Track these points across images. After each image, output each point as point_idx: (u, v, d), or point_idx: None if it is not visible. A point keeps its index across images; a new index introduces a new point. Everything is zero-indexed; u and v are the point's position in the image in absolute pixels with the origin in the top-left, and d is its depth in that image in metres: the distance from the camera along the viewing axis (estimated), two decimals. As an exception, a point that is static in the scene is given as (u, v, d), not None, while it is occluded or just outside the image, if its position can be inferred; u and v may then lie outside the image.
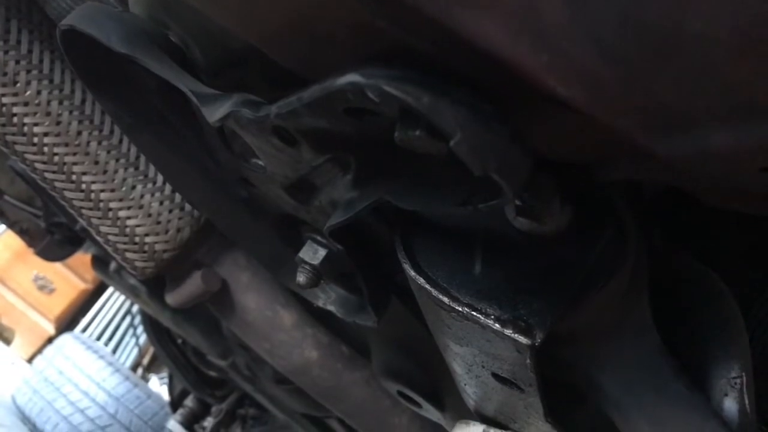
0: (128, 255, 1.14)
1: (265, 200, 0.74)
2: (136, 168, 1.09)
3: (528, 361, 0.52)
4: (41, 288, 5.37)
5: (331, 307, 0.82)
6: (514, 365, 0.54)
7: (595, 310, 0.56)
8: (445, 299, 0.53)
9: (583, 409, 0.64)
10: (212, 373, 2.25)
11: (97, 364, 3.31)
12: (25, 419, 3.19)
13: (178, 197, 1.11)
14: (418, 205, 0.52)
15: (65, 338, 3.58)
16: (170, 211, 1.12)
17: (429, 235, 0.58)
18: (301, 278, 0.74)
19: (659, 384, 0.56)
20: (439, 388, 0.98)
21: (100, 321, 5.84)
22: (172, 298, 1.19)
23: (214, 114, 0.55)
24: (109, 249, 1.15)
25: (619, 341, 0.58)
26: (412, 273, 0.55)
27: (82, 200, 1.08)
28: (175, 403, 2.71)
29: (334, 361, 1.21)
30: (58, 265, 5.13)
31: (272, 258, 0.81)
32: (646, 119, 0.38)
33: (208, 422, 2.58)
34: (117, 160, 1.08)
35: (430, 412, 1.02)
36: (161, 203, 1.11)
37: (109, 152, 1.06)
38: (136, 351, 5.55)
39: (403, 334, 0.96)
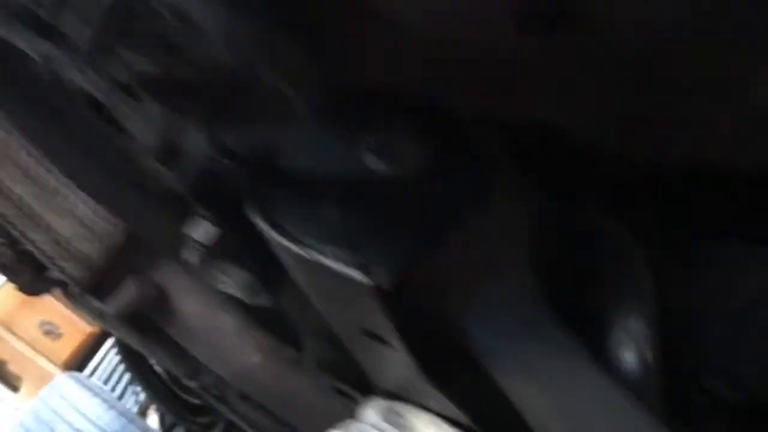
0: (60, 263, 1.11)
1: (148, 177, 0.71)
2: (62, 171, 1.07)
3: (379, 306, 0.48)
4: (47, 333, 5.35)
5: (233, 291, 0.78)
6: (373, 314, 0.51)
7: (460, 254, 0.52)
8: (291, 244, 0.50)
9: (472, 371, 0.59)
10: (192, 400, 2.20)
11: (92, 401, 3.26)
12: (20, 460, 3.14)
13: (108, 200, 1.08)
14: (249, 140, 0.49)
15: (61, 378, 3.54)
16: (99, 215, 1.09)
17: (283, 183, 0.54)
18: (189, 257, 0.71)
19: (534, 331, 0.52)
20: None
21: (108, 364, 5.80)
22: (109, 307, 1.16)
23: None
24: (42, 257, 1.12)
25: (490, 288, 0.54)
26: (258, 220, 0.51)
27: (9, 207, 1.06)
28: (165, 436, 2.66)
29: (278, 365, 1.17)
30: (64, 310, 5.12)
31: (169, 240, 0.78)
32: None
33: (197, 453, 2.52)
34: (40, 163, 1.06)
35: (367, 406, 0.97)
36: (89, 206, 1.08)
37: (29, 154, 1.03)
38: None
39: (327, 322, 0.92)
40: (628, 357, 0.58)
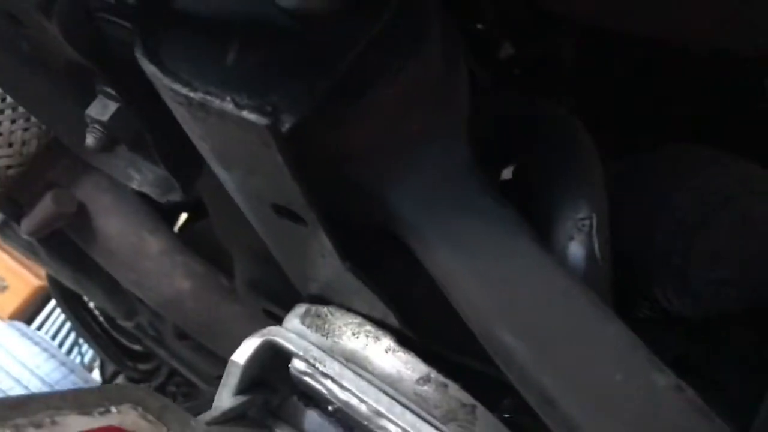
0: (-28, 176, 1.01)
1: (44, 47, 0.62)
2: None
3: (280, 157, 0.41)
4: (-6, 286, 5.20)
5: (146, 189, 0.70)
6: (276, 175, 0.43)
7: (381, 115, 0.45)
8: (178, 86, 0.42)
9: (402, 268, 0.53)
10: (133, 346, 2.11)
11: (31, 350, 3.15)
12: (-45, 410, 3.02)
13: (23, 107, 0.99)
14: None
15: (0, 326, 3.42)
16: (13, 122, 0.99)
17: (181, 30, 0.46)
18: (89, 139, 0.63)
19: (462, 202, 0.45)
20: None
21: (56, 318, 5.67)
22: (25, 225, 1.07)
23: None
24: (-49, 170, 1.02)
25: (418, 156, 0.47)
26: (145, 62, 0.43)
27: None
28: (107, 384, 2.57)
29: (209, 293, 1.09)
30: (11, 262, 4.96)
31: (70, 126, 0.69)
32: None
33: (139, 402, 2.44)
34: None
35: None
36: (1, 112, 0.99)
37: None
38: (93, 348, 5.37)
39: (257, 238, 0.84)
40: (577, 250, 0.52)
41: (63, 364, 3.14)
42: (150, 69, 0.43)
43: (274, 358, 0.60)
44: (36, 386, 2.99)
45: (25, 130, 1.00)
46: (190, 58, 0.44)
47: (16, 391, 2.97)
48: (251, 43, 0.44)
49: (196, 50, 0.45)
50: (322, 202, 0.45)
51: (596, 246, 0.52)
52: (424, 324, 0.56)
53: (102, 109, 0.62)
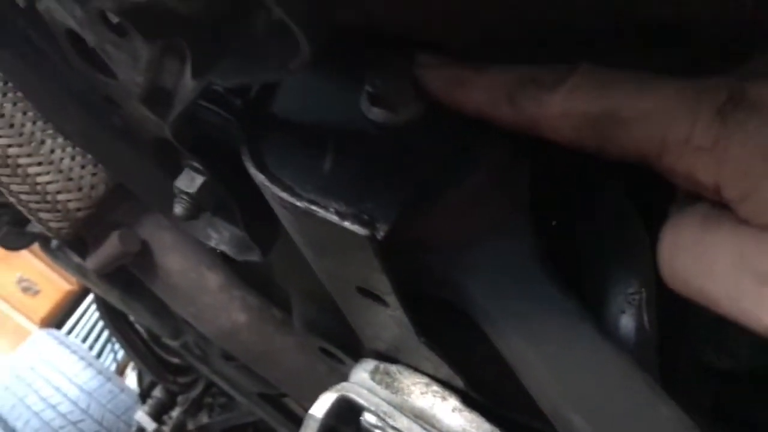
0: (42, 215, 1.08)
1: (136, 123, 0.68)
2: (46, 122, 1.04)
3: (375, 259, 0.47)
4: (25, 290, 5.31)
5: (224, 247, 0.76)
6: (367, 269, 0.49)
7: (459, 209, 0.51)
8: (285, 195, 0.48)
9: (467, 333, 0.58)
10: (173, 359, 2.19)
11: (70, 359, 3.25)
12: (-3, 417, 3.13)
13: (92, 153, 1.06)
14: (241, 78, 0.47)
15: (39, 335, 3.53)
16: (83, 167, 1.06)
17: (280, 136, 0.52)
18: (177, 209, 0.68)
19: (529, 290, 0.51)
20: (359, 341, 0.93)
21: (86, 322, 5.78)
22: (91, 262, 1.14)
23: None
24: (24, 210, 1.10)
25: (488, 246, 0.52)
26: (253, 170, 0.50)
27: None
28: (144, 395, 2.65)
29: (264, 325, 1.15)
30: (42, 267, 5.07)
31: (159, 194, 0.76)
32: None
33: (176, 412, 2.52)
34: (24, 113, 1.02)
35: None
36: (73, 158, 1.05)
37: (15, 105, 1.00)
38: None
39: (318, 283, 0.91)
40: (628, 322, 0.57)
41: (100, 372, 3.24)
42: (259, 177, 0.49)
43: (347, 411, 0.66)
44: (75, 395, 3.09)
45: (93, 174, 1.07)
46: (291, 164, 0.50)
47: (56, 398, 3.07)
48: (344, 150, 0.50)
49: (296, 156, 0.50)
50: (403, 286, 0.51)
51: (645, 319, 0.57)
52: (488, 385, 0.61)
53: (189, 182, 0.68)
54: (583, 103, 0.43)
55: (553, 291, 0.50)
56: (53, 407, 3.05)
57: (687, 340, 0.75)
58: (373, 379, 0.66)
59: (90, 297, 5.53)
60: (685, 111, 0.41)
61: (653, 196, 0.65)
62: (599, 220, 0.63)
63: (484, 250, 0.52)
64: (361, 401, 0.64)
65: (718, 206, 0.43)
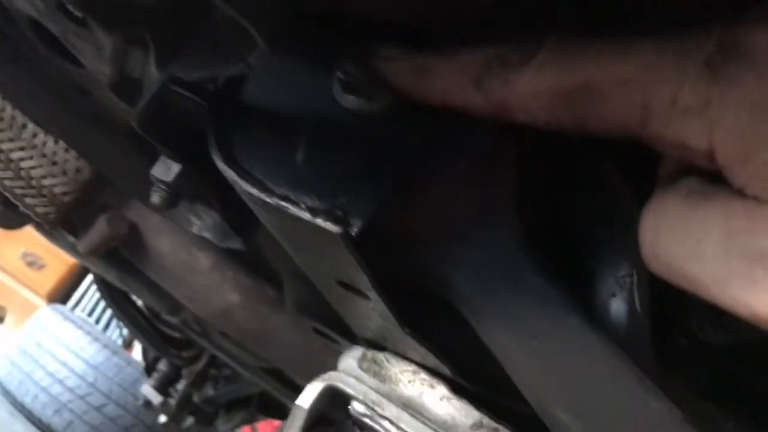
0: (28, 201, 1.06)
1: (109, 111, 0.66)
2: (26, 105, 1.01)
3: (351, 257, 0.45)
4: (30, 264, 5.33)
5: (206, 234, 0.75)
6: (345, 264, 0.47)
7: (440, 201, 0.49)
8: (255, 191, 0.46)
9: (453, 321, 0.57)
10: (175, 334, 2.19)
11: (75, 334, 3.27)
12: (5, 392, 3.16)
13: (75, 135, 1.03)
14: (202, 72, 0.44)
15: (44, 311, 3.54)
16: (67, 151, 1.04)
17: (250, 125, 0.50)
18: (155, 198, 0.67)
19: (516, 281, 0.49)
20: (351, 321, 0.91)
21: (92, 295, 5.81)
22: (81, 246, 1.12)
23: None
24: (9, 196, 1.08)
25: (472, 235, 0.50)
26: (221, 164, 0.47)
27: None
28: (149, 368, 2.66)
29: (258, 304, 1.14)
30: (46, 241, 5.09)
31: (137, 181, 0.74)
32: None
33: (182, 385, 2.53)
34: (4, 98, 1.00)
35: (347, 348, 0.95)
36: (56, 142, 1.03)
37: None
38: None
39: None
40: (619, 306, 0.55)
41: (106, 346, 3.26)
42: (227, 173, 0.46)
43: (334, 399, 0.65)
44: (81, 369, 3.11)
45: (78, 158, 1.05)
46: (261, 156, 0.48)
47: (63, 373, 3.09)
48: (318, 141, 0.47)
49: (267, 147, 0.48)
50: (385, 280, 0.49)
51: (637, 302, 0.56)
52: (475, 371, 0.60)
53: (166, 170, 0.66)
54: (554, 78, 0.40)
55: (540, 281, 0.49)
56: (60, 382, 3.08)
57: (684, 318, 0.74)
58: (360, 367, 0.65)
59: (95, 270, 5.56)
60: (669, 70, 0.36)
61: (648, 172, 0.63)
62: (589, 200, 0.61)
63: (468, 241, 0.50)
64: (349, 390, 0.63)
65: (707, 181, 0.40)
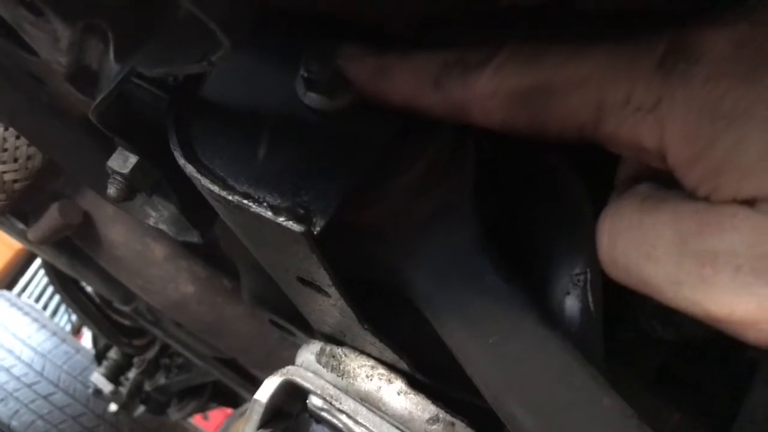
0: (-24, 187, 1.04)
1: (64, 101, 0.65)
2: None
3: (312, 255, 0.45)
4: (-25, 249, 5.17)
5: (163, 227, 0.74)
6: (305, 261, 0.47)
7: (400, 199, 0.49)
8: (216, 188, 0.45)
9: (411, 316, 0.57)
10: (126, 322, 2.16)
11: (22, 320, 3.19)
12: (-51, 381, 3.07)
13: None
14: (163, 68, 0.44)
15: (-12, 297, 3.45)
16: (18, 137, 1.02)
17: (212, 121, 0.49)
18: (111, 190, 0.65)
19: (473, 279, 0.50)
20: (308, 313, 0.91)
21: (39, 281, 5.67)
22: (32, 234, 1.10)
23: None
24: (-44, 182, 1.05)
25: (431, 234, 0.51)
26: (182, 161, 0.47)
27: None
28: (100, 356, 2.62)
29: (213, 295, 1.13)
30: (-9, 226, 4.95)
31: (92, 172, 0.72)
32: None
33: (133, 373, 2.50)
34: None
35: (304, 341, 0.95)
36: (6, 129, 1.01)
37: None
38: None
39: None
40: (573, 304, 0.56)
41: (54, 333, 3.19)
42: (187, 168, 0.46)
43: (292, 393, 0.65)
44: (29, 356, 3.04)
45: (29, 145, 1.03)
46: (223, 153, 0.47)
47: (9, 361, 3.02)
48: (280, 137, 0.47)
49: (228, 143, 0.48)
50: (345, 277, 0.50)
51: (590, 300, 0.57)
52: (433, 366, 0.61)
53: (122, 162, 0.65)
54: (511, 79, 0.40)
55: (496, 279, 0.49)
56: (6, 370, 3.00)
57: (632, 312, 0.76)
58: (319, 361, 0.65)
59: (42, 255, 5.42)
60: (622, 70, 0.37)
61: (605, 172, 0.64)
62: (546, 199, 0.62)
63: (427, 238, 0.51)
64: (307, 384, 0.63)
65: (661, 186, 0.41)
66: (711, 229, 0.35)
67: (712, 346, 0.85)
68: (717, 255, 0.35)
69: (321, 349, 0.66)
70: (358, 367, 0.63)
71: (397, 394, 0.61)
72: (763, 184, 0.33)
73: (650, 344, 0.80)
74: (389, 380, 0.61)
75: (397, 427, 0.60)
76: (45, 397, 2.95)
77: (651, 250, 0.39)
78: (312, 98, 0.47)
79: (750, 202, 0.33)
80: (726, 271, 0.34)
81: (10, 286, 5.30)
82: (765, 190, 0.33)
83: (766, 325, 0.33)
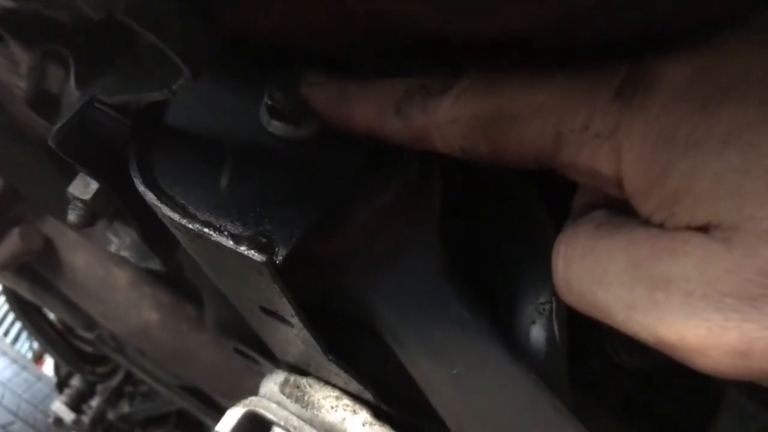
0: (-68, 212, 1.01)
1: (23, 125, 0.64)
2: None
3: (274, 284, 0.44)
4: (-66, 273, 5.04)
5: (125, 253, 0.72)
6: (268, 291, 0.47)
7: (366, 229, 0.49)
8: (176, 216, 0.44)
9: (377, 346, 0.57)
10: (89, 349, 2.11)
11: (-19, 348, 3.10)
12: None
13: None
14: (124, 95, 0.43)
15: (-53, 323, 3.35)
16: (-23, 161, 0.99)
17: (173, 147, 0.49)
18: (71, 216, 0.64)
19: (437, 310, 0.49)
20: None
21: (0, 307, 5.54)
22: (-9, 260, 1.07)
23: None
24: None
25: (396, 264, 0.51)
26: (142, 188, 0.46)
27: None
28: (62, 384, 2.55)
29: (177, 323, 1.12)
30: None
31: (52, 198, 0.71)
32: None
33: (96, 401, 2.44)
34: None
35: (269, 370, 0.94)
36: (-35, 152, 0.99)
37: None
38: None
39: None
40: (538, 333, 0.56)
41: (14, 361, 3.11)
42: (147, 195, 0.45)
43: (255, 425, 0.64)
44: (-13, 384, 2.96)
45: (-10, 169, 1.00)
46: (184, 180, 0.47)
47: (-33, 389, 2.93)
48: (244, 165, 0.47)
49: (190, 170, 0.47)
50: (308, 307, 0.49)
51: (556, 329, 0.57)
52: (398, 397, 0.60)
53: (83, 188, 0.64)
54: (471, 106, 0.41)
55: (461, 310, 0.49)
56: (-36, 398, 2.92)
57: (598, 341, 0.76)
58: (282, 392, 0.64)
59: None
60: (581, 98, 0.37)
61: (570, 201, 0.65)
62: (512, 228, 0.62)
63: (392, 269, 0.50)
64: (270, 416, 0.62)
65: (617, 214, 0.41)
66: (664, 255, 0.35)
67: (679, 375, 0.85)
68: (669, 280, 0.35)
69: (285, 379, 0.65)
70: (322, 398, 0.62)
71: (362, 426, 0.60)
72: (716, 210, 0.33)
73: (617, 373, 0.80)
74: (354, 411, 0.60)
75: (362, 460, 0.59)
76: (4, 427, 2.87)
77: (603, 276, 0.38)
78: (276, 126, 0.47)
79: (704, 229, 0.34)
80: (677, 296, 0.34)
81: (-31, 313, 5.17)
82: (718, 216, 0.33)
83: (715, 352, 0.33)
